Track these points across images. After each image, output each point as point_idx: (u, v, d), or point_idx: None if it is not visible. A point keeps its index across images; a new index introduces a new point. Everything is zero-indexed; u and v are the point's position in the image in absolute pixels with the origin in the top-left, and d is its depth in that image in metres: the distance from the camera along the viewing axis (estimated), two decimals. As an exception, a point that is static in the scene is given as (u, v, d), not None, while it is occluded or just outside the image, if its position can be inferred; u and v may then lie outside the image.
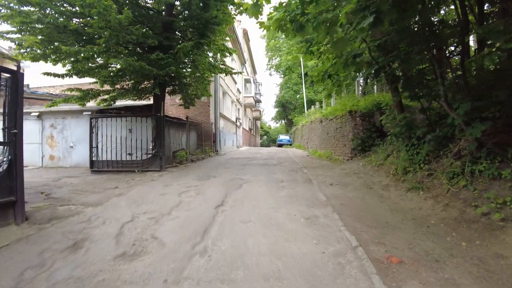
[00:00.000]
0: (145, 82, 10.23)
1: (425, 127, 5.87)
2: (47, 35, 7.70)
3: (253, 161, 12.61)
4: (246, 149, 23.83)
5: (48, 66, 8.66)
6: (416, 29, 5.46)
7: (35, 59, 8.31)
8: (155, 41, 7.97)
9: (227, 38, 11.50)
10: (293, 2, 4.67)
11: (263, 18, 5.12)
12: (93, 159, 10.31)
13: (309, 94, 37.12)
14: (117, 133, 10.20)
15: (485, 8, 5.63)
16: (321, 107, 24.10)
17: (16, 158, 4.46)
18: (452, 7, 5.56)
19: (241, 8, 9.89)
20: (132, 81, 9.90)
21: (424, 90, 5.81)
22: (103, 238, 3.88)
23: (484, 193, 3.95)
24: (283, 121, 55.13)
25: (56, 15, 7.45)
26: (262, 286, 2.60)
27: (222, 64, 11.96)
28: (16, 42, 7.88)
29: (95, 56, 7.66)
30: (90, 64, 8.37)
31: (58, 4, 7.52)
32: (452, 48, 5.97)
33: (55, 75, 8.39)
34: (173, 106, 16.66)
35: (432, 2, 5.07)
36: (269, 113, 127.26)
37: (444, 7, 6.87)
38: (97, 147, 10.31)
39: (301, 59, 37.02)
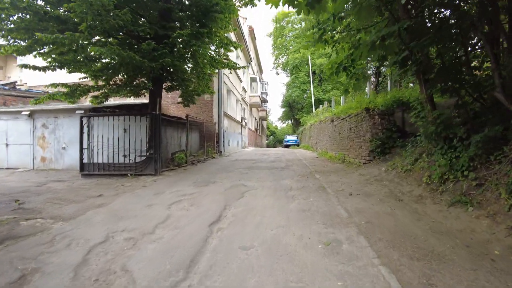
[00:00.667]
0: (140, 78, 9.28)
1: (464, 126, 4.83)
2: (27, 24, 6.81)
3: (259, 163, 11.61)
4: (251, 150, 22.85)
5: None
6: None
7: (19, 52, 7.45)
8: (147, 29, 7.04)
9: (232, 34, 10.54)
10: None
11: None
12: (84, 161, 9.44)
13: (317, 93, 36.05)
14: (111, 133, 9.30)
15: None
16: (330, 106, 23.04)
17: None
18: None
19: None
20: (125, 76, 8.95)
21: (463, 80, 4.77)
22: (58, 270, 2.94)
23: None
24: (289, 121, 54.12)
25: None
26: None
27: (225, 58, 10.99)
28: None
29: (78, 45, 6.71)
30: (76, 56, 7.41)
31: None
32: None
33: (34, 67, 7.49)
34: (174, 105, 15.73)
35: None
36: (275, 113, 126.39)
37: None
38: (88, 148, 9.44)
39: (309, 57, 36.01)
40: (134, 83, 9.41)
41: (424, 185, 4.97)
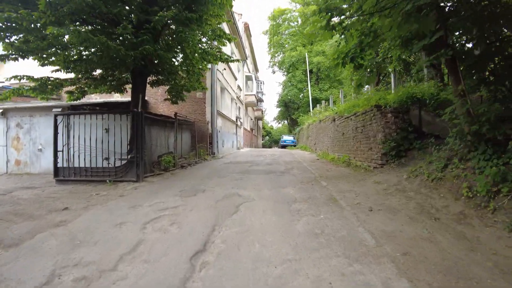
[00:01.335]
0: (121, 71, 8.17)
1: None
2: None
3: (255, 166, 10.56)
4: (247, 151, 21.79)
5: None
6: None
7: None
8: (123, 11, 5.96)
9: (226, 28, 9.44)
10: None
11: None
12: (58, 165, 8.32)
13: (314, 92, 35.12)
14: (93, 134, 8.18)
15: None
16: (328, 105, 22.05)
17: None
18: None
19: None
20: (103, 69, 7.84)
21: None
22: None
23: None
24: (285, 121, 53.13)
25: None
26: None
27: (218, 51, 9.93)
28: None
29: (38, 26, 5.58)
30: (42, 44, 6.26)
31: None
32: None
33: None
34: (164, 103, 14.56)
35: None
36: (271, 113, 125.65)
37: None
38: (63, 150, 8.32)
39: (306, 54, 35.06)
40: (115, 77, 8.30)
41: (465, 199, 3.96)
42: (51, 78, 7.55)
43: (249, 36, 31.06)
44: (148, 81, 9.01)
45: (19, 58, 6.52)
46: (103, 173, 8.04)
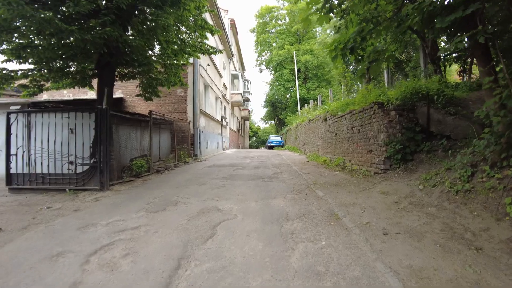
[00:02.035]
0: (82, 61, 7.00)
1: None
2: None
3: (240, 170, 9.54)
4: (233, 152, 20.72)
5: None
6: None
7: None
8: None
9: (210, 20, 8.38)
10: None
11: None
12: (11, 171, 7.11)
13: (302, 92, 34.36)
14: (56, 135, 6.99)
15: None
16: (316, 104, 21.23)
17: None
18: None
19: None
20: (59, 58, 6.65)
21: None
22: None
23: None
24: (272, 122, 52.31)
25: None
26: None
27: (199, 41, 8.86)
28: None
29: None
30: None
31: None
32: None
33: None
34: (143, 101, 13.29)
35: None
36: (258, 113, 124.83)
37: None
38: (16, 154, 7.12)
39: (294, 53, 34.25)
40: (76, 68, 7.13)
41: (511, 221, 3.05)
42: (-5, 69, 6.33)
43: (235, 33, 29.98)
44: (117, 74, 7.87)
45: None
46: (63, 181, 6.88)
